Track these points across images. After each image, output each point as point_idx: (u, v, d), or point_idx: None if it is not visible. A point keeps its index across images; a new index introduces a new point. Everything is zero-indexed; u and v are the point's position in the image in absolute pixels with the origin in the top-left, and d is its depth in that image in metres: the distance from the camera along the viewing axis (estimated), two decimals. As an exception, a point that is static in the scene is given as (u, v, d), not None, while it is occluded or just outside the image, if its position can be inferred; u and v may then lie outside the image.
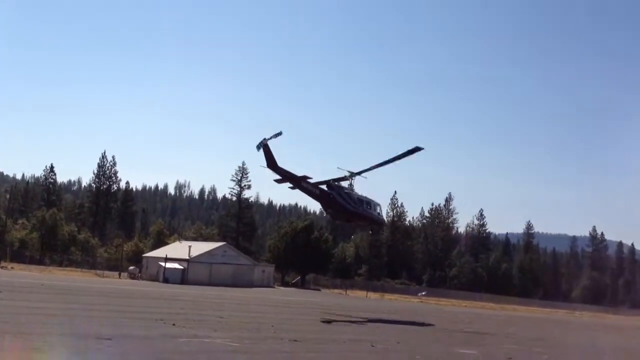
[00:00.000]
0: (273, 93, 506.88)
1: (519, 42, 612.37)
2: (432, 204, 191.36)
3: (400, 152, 48.13)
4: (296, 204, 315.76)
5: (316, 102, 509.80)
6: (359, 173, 50.16)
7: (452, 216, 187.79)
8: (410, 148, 47.38)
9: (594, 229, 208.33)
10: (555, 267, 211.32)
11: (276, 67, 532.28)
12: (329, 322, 41.02)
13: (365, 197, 52.72)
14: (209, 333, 27.53)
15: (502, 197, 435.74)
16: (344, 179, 49.95)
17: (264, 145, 46.01)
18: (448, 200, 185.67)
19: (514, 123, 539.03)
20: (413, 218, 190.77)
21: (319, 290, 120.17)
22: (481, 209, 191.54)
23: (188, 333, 26.92)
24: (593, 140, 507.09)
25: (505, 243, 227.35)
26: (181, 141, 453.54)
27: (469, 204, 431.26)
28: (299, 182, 48.44)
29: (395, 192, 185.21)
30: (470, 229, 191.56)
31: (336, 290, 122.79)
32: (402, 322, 47.95)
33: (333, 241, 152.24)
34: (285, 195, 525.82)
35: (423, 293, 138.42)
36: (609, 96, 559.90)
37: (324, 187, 50.27)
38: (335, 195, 49.08)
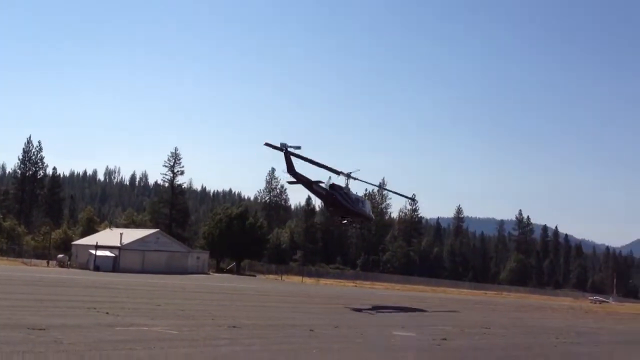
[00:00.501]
0: (209, 77, 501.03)
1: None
2: (366, 189, 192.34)
3: (396, 190, 59.40)
4: (230, 190, 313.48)
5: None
6: (354, 178, 57.01)
7: (385, 201, 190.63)
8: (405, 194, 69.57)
9: (520, 213, 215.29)
10: (484, 250, 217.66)
11: (212, 49, 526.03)
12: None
13: (360, 197, 59.92)
14: (145, 321, 27.08)
15: (433, 182, 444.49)
16: (335, 172, 54.99)
17: (285, 153, 50.83)
18: (381, 185, 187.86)
19: (445, 110, 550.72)
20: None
21: (255, 276, 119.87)
22: (414, 194, 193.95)
23: (124, 321, 26.41)
24: (519, 127, 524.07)
25: (437, 227, 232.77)
26: (111, 126, 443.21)
27: (401, 189, 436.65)
28: (310, 185, 54.53)
29: (330, 177, 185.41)
30: (403, 214, 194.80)
31: (271, 276, 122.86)
32: (350, 308, 48.43)
33: (268, 227, 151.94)
34: (219, 181, 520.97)
35: None
36: (528, 81, 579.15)
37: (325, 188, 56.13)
38: (337, 196, 55.37)
